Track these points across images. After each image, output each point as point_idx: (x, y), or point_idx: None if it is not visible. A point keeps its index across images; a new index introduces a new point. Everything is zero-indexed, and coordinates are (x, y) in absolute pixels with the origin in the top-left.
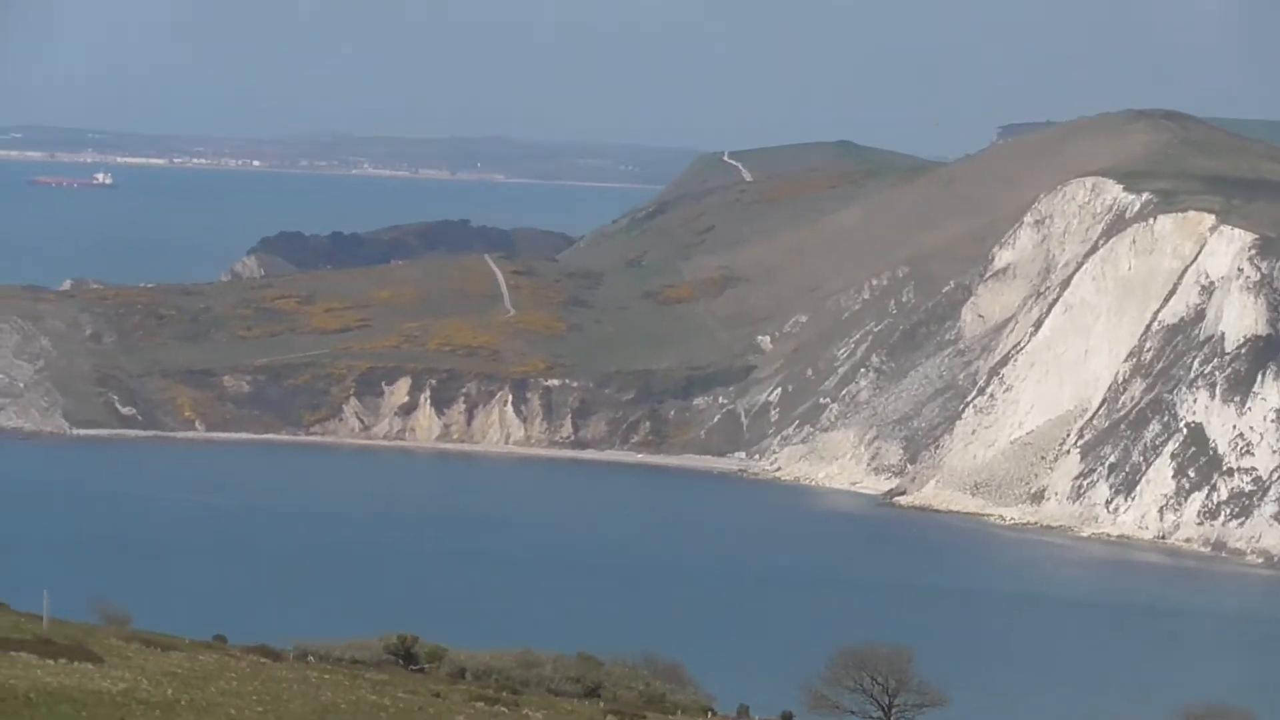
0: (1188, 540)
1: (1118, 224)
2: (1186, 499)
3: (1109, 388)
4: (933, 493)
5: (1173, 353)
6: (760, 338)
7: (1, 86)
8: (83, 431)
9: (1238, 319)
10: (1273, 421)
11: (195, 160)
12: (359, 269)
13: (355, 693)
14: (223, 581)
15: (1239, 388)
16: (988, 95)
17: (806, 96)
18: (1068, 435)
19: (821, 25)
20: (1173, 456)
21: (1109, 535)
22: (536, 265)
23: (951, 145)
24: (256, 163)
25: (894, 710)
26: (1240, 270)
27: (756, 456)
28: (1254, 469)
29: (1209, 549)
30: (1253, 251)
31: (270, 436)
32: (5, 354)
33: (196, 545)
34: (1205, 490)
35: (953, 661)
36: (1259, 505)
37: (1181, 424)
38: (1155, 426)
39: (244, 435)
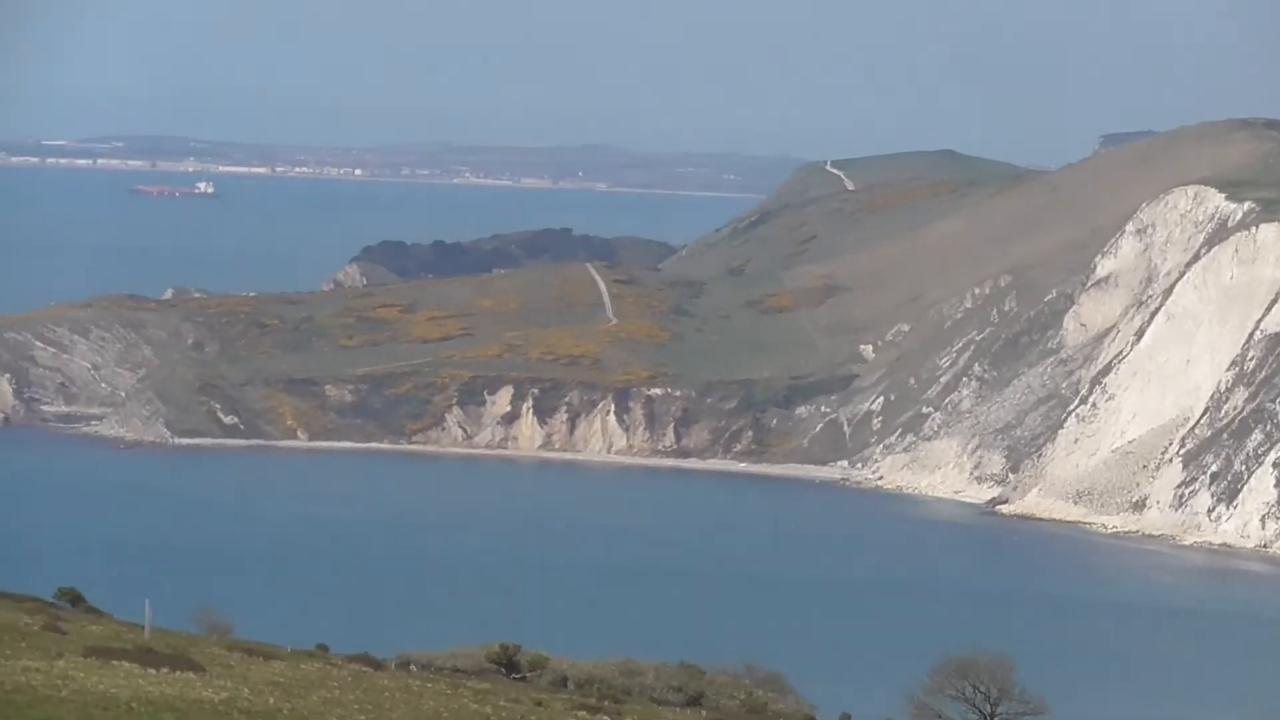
0: None
1: (1220, 233)
2: None
3: (1211, 397)
4: (1035, 501)
5: (1275, 361)
6: (862, 346)
7: (104, 95)
8: (184, 441)
9: None
10: None
11: (297, 169)
12: (461, 278)
13: (457, 701)
14: (325, 591)
15: None
16: (1089, 104)
17: (910, 106)
18: (1170, 444)
19: (924, 35)
20: (1275, 465)
21: (1210, 544)
22: (639, 274)
23: (1053, 154)
24: (358, 171)
25: (996, 719)
26: None
27: (859, 465)
28: None
29: None
30: None
31: (372, 446)
32: (108, 363)
33: (298, 555)
34: None
35: (1054, 670)
36: None
37: None
38: (1258, 435)
39: (346, 444)
